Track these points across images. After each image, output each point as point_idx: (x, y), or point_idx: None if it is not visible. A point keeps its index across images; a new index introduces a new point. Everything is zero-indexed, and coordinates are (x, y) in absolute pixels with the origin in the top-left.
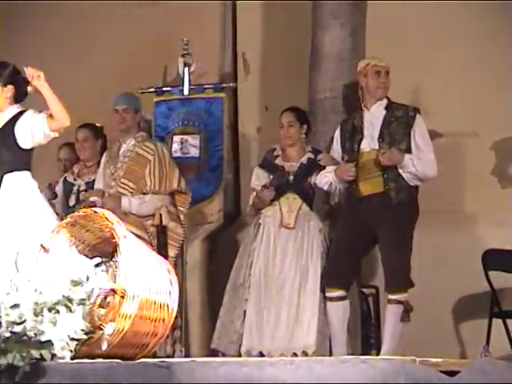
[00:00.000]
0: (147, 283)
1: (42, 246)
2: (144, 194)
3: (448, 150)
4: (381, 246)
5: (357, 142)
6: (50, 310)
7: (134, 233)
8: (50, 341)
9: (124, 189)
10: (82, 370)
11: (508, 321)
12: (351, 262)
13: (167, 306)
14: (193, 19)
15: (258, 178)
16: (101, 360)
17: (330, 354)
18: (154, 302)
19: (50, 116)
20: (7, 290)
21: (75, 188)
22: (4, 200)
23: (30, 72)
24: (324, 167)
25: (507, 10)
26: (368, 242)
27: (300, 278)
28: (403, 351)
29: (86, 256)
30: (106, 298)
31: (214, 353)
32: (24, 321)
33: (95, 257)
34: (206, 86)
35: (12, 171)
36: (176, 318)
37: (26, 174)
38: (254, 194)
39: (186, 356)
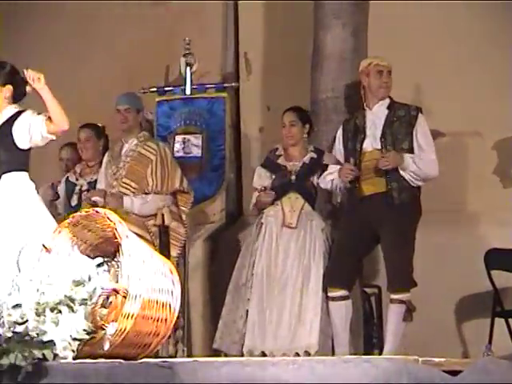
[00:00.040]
0: (149, 283)
1: (43, 245)
2: (146, 193)
3: (450, 150)
4: (383, 246)
5: (359, 141)
6: (52, 309)
7: (135, 233)
8: (52, 341)
9: (126, 188)
10: (84, 370)
11: (510, 320)
12: (353, 261)
13: (169, 306)
14: (193, 19)
15: (260, 178)
16: (103, 360)
17: (333, 354)
18: (156, 301)
19: (49, 118)
20: (9, 290)
21: (77, 188)
22: (1, 200)
23: (30, 74)
24: (326, 167)
25: (509, 11)
26: (370, 241)
27: (302, 278)
28: (406, 351)
29: (88, 256)
30: (108, 297)
31: (216, 353)
32: (26, 321)
33: (97, 257)
34: (207, 86)
35: (9, 171)
36: (178, 317)
37: (24, 174)
38: (257, 193)
39: (188, 356)
